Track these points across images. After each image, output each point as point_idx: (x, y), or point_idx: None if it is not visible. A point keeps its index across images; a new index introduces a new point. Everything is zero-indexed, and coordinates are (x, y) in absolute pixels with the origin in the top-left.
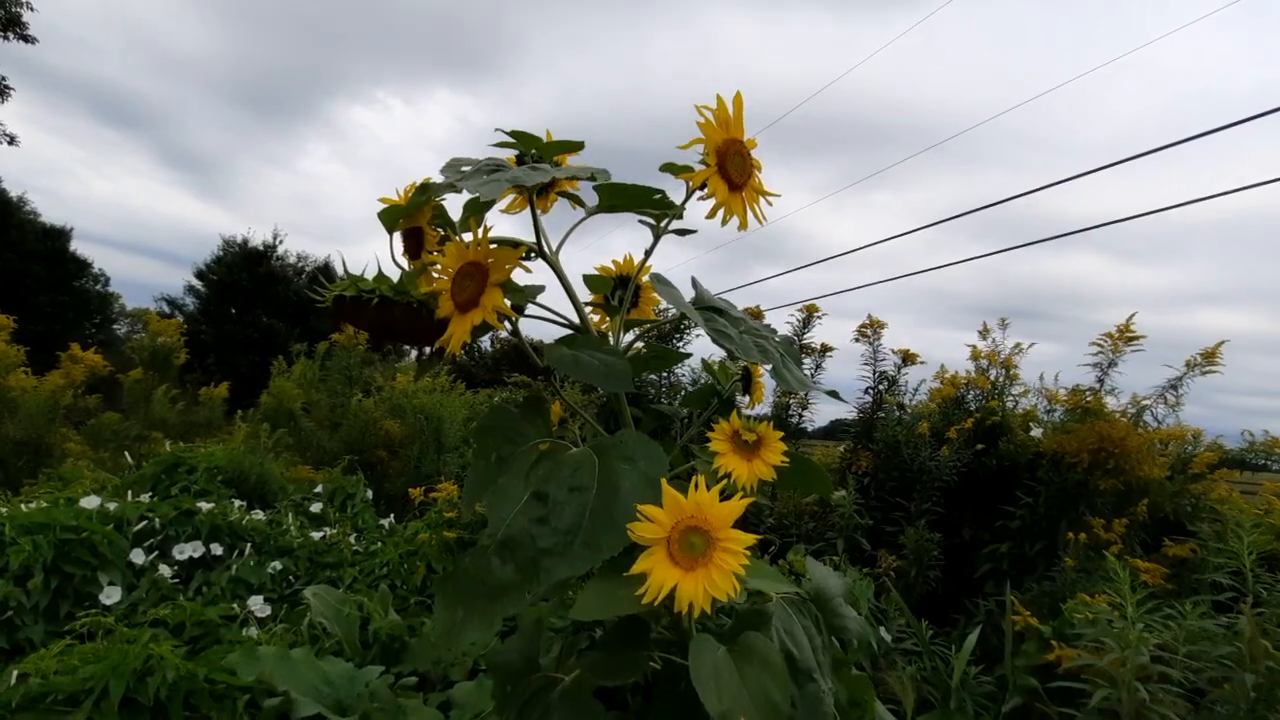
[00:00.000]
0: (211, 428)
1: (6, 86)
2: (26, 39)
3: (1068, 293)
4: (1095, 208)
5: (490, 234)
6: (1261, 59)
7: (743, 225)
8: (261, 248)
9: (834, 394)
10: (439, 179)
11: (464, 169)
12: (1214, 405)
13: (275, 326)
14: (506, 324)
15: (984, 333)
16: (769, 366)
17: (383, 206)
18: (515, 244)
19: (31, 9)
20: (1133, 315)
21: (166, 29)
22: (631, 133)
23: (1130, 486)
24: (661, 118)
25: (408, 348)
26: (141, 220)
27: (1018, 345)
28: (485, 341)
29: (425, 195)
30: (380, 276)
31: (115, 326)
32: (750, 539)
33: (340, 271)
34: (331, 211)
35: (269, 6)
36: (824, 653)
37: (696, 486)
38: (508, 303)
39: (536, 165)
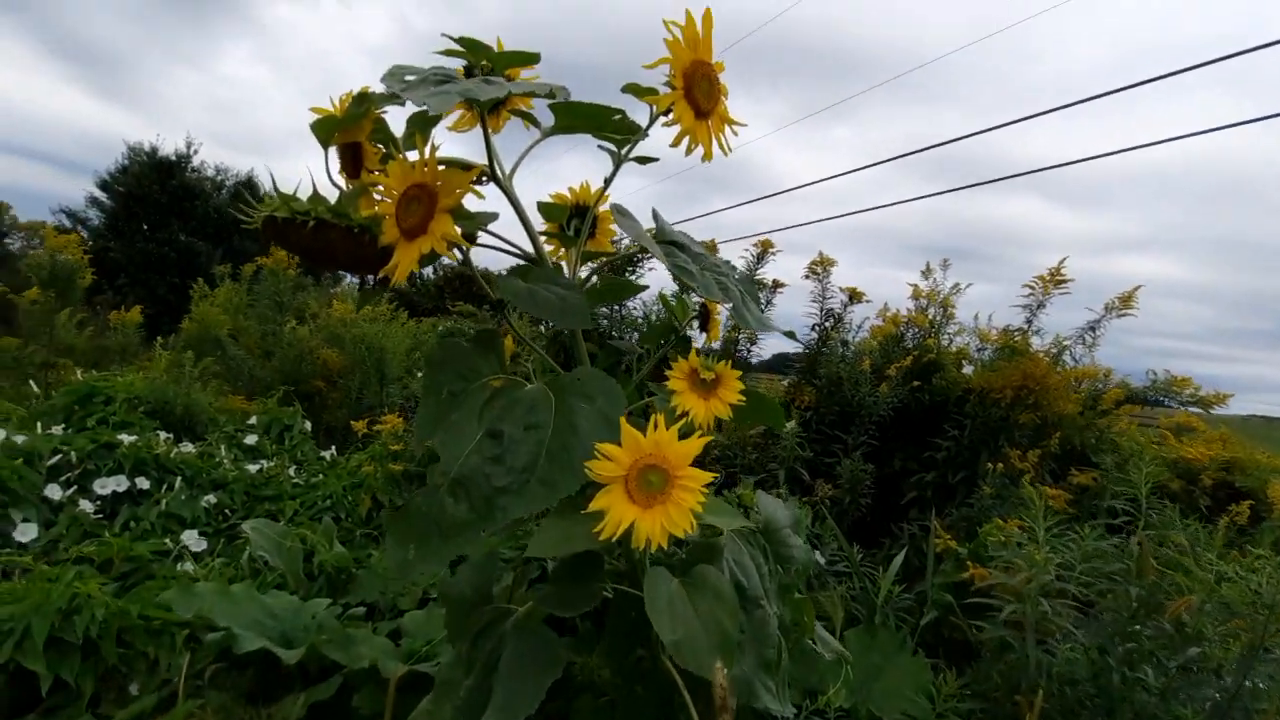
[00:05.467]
0: (127, 355)
1: None
2: None
3: (1007, 234)
4: (1042, 150)
5: (438, 154)
6: (1206, 12)
7: (707, 156)
8: (174, 157)
9: (791, 334)
10: (380, 88)
11: (408, 78)
12: (1122, 345)
13: (195, 246)
14: (457, 252)
15: (926, 272)
16: (730, 305)
17: (316, 117)
18: (466, 166)
19: None
20: (1064, 260)
21: None
22: (588, 46)
23: (1046, 421)
24: (621, 31)
25: (345, 273)
26: (29, 120)
27: (956, 285)
28: (428, 267)
29: (364, 106)
30: (316, 196)
31: (9, 241)
32: (707, 477)
33: (268, 188)
34: (255, 120)
35: None
36: (770, 579)
37: (655, 425)
38: (458, 230)
39: (490, 79)
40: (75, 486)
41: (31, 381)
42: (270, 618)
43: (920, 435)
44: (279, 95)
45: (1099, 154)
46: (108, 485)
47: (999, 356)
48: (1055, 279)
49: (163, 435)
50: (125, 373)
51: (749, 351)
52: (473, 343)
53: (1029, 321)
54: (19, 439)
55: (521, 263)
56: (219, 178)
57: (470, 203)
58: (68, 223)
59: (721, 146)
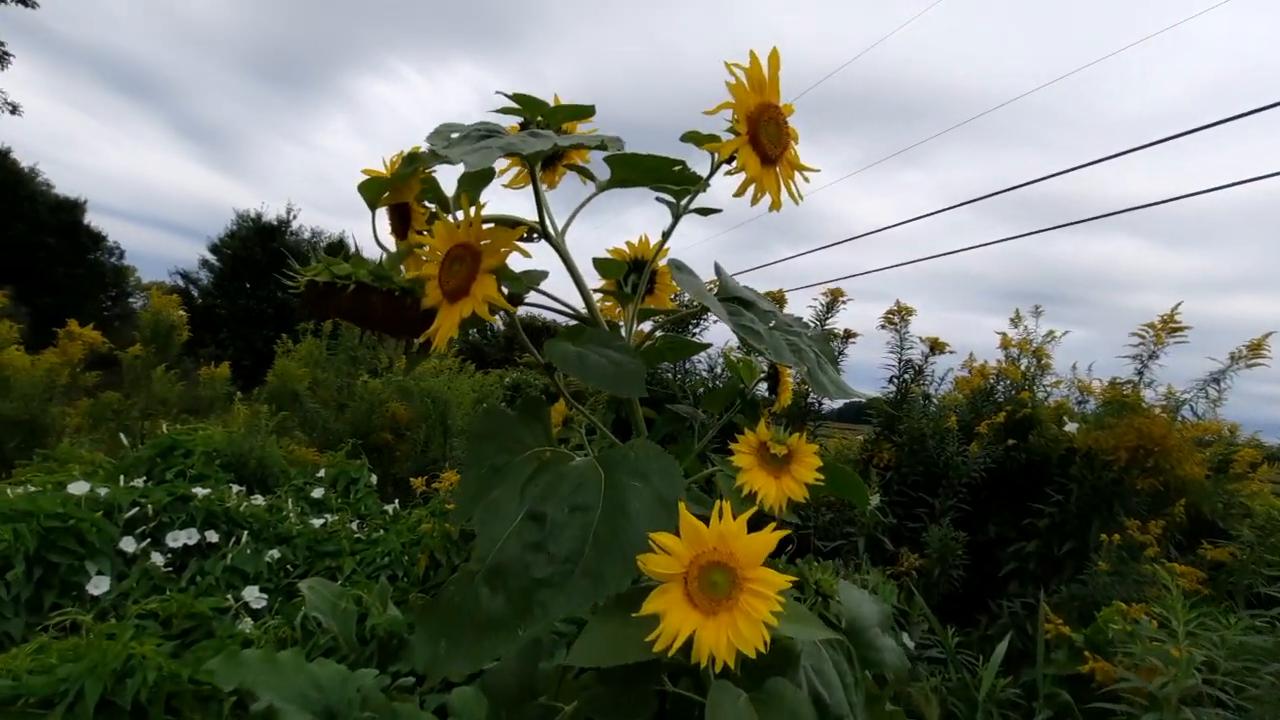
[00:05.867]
0: (215, 406)
1: (6, 53)
2: (26, 2)
3: (1100, 277)
4: (1131, 189)
5: (489, 212)
6: None
7: (775, 205)
8: (275, 222)
9: (876, 401)
10: (428, 147)
11: (452, 135)
12: (1239, 393)
13: (290, 302)
14: (501, 316)
15: (1015, 320)
16: (803, 368)
17: (364, 179)
18: (514, 223)
19: None
20: (1178, 305)
21: None
22: (658, 105)
23: (1168, 486)
24: (688, 89)
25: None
26: (156, 193)
27: (1050, 333)
28: (498, 316)
29: (413, 166)
30: (358, 260)
31: (132, 300)
32: (784, 581)
33: (353, 249)
34: (348, 186)
35: None
36: (857, 690)
37: (720, 514)
38: (504, 291)
39: (537, 132)
40: (149, 539)
41: (122, 434)
42: (316, 689)
43: (1018, 499)
44: (370, 163)
45: (1195, 191)
46: (179, 538)
47: (1106, 412)
48: (1169, 326)
49: (235, 488)
50: (206, 426)
51: (820, 405)
52: (519, 411)
53: (1140, 373)
54: (102, 491)
55: (573, 322)
56: (313, 240)
57: (520, 262)
58: (181, 283)
59: (792, 194)
